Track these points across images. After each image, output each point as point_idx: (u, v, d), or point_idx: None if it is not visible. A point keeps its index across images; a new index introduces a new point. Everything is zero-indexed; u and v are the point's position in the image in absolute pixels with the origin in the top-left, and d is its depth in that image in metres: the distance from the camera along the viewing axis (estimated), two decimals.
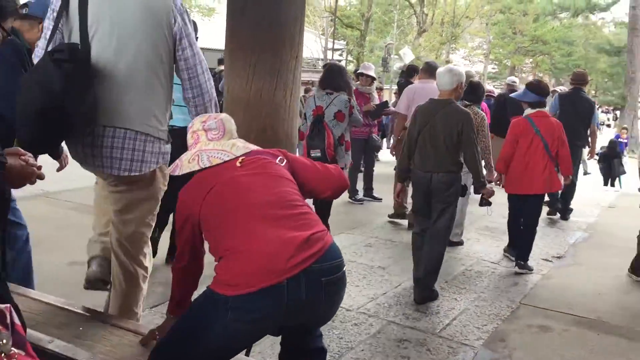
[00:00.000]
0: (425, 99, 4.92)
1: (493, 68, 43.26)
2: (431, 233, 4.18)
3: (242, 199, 1.99)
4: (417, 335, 3.54)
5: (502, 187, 5.25)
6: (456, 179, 4.17)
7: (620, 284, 4.79)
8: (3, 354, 0.90)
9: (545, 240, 5.97)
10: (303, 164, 2.26)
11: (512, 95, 6.14)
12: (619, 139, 13.77)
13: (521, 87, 6.54)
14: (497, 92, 10.22)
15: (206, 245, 2.11)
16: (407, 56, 19.15)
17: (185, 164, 2.12)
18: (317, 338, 2.26)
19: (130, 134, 2.43)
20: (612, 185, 12.77)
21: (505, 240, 5.66)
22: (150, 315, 3.49)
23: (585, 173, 11.69)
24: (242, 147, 2.17)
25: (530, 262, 5.05)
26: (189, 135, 2.23)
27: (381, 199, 7.48)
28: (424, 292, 4.12)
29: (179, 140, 2.63)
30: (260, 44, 5.38)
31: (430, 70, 6.31)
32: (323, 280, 1.92)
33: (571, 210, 7.18)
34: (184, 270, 2.16)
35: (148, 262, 2.71)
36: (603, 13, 41.37)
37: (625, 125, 20.30)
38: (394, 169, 6.19)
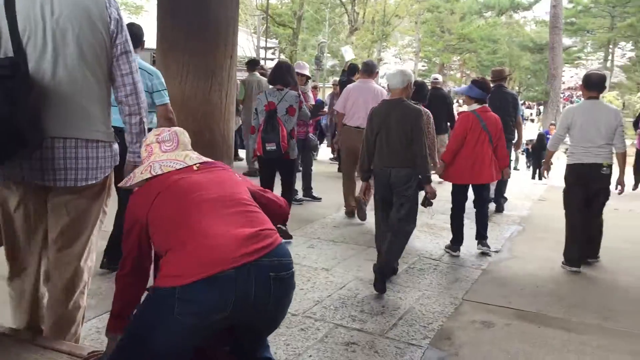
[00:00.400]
0: (363, 97, 5.23)
1: (423, 66, 44.18)
2: (393, 227, 4.43)
3: (195, 195, 2.02)
4: (364, 338, 3.50)
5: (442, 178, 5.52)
6: (413, 174, 4.42)
7: (556, 276, 4.94)
8: None
9: None
10: (261, 190, 2.33)
11: (457, 90, 6.39)
12: (548, 135, 14.38)
13: (446, 84, 6.91)
14: None
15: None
16: (348, 54, 19.22)
17: (137, 175, 2.17)
18: (265, 348, 2.23)
19: (81, 142, 2.31)
20: (540, 178, 13.27)
21: (444, 236, 5.74)
22: (84, 331, 3.29)
23: (515, 169, 12.11)
24: (195, 157, 2.23)
25: (469, 258, 5.25)
26: (142, 148, 2.28)
27: (320, 199, 7.45)
28: (383, 283, 4.26)
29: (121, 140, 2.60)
30: (193, 45, 5.23)
31: (368, 70, 6.59)
32: (271, 276, 1.93)
33: (505, 199, 7.43)
34: (126, 279, 2.12)
35: (87, 276, 2.54)
36: (525, 12, 43.04)
37: (553, 122, 21.17)
38: (338, 170, 6.21)
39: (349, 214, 6.63)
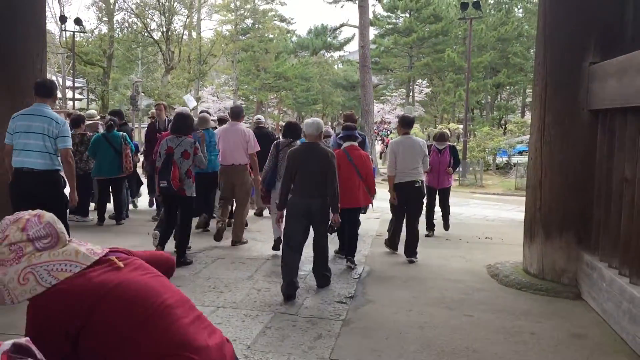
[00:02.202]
0: (230, 139, 7.34)
1: (241, 103, 44.46)
2: (317, 245, 5.59)
3: (155, 300, 1.78)
4: None
5: None
6: (327, 203, 5.43)
7: (416, 319, 4.79)
8: None
9: (334, 281, 5.84)
10: (141, 255, 2.10)
11: (338, 136, 7.40)
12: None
13: (267, 122, 8.10)
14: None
15: None
16: (191, 102, 18.35)
17: (18, 290, 1.72)
18: None
19: None
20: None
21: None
22: None
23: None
24: (87, 253, 1.84)
25: (326, 307, 5.02)
26: (3, 249, 1.74)
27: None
28: (324, 279, 5.62)
29: None
30: None
31: (234, 114, 7.58)
32: None
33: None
34: None
35: None
36: (337, 52, 45.56)
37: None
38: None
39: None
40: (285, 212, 5.51)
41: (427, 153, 7.16)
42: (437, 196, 9.00)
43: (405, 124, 7.17)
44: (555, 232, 5.72)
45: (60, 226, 1.85)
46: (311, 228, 5.54)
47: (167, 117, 8.84)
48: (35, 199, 4.68)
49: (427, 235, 8.63)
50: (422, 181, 6.98)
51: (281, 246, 5.74)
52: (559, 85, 5.68)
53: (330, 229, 5.65)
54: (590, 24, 5.46)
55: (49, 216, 1.85)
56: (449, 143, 8.98)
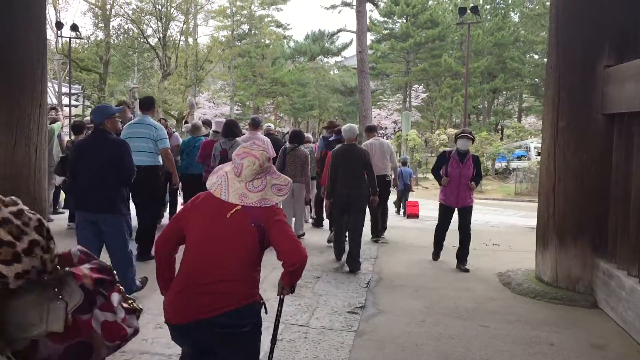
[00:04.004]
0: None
1: (237, 109, 44.31)
2: (352, 230, 6.67)
3: (201, 242, 2.52)
4: None
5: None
6: (363, 193, 6.65)
7: (430, 330, 4.65)
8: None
9: (342, 289, 5.71)
10: (279, 232, 2.52)
11: (329, 138, 8.61)
12: None
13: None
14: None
15: None
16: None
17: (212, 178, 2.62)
18: None
19: None
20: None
21: (304, 295, 5.22)
22: None
23: None
24: (235, 196, 2.50)
25: (337, 318, 4.90)
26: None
27: None
28: (356, 264, 6.47)
29: None
30: None
31: (254, 124, 8.31)
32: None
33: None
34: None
35: None
36: (335, 57, 45.50)
37: None
38: None
39: None
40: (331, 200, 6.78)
41: (393, 152, 8.46)
42: (455, 216, 7.07)
43: (370, 130, 8.95)
44: (570, 238, 5.59)
45: (247, 171, 2.53)
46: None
47: (132, 116, 8.04)
48: (140, 187, 5.98)
49: (434, 260, 7.25)
50: (390, 175, 8.58)
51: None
52: (572, 88, 5.56)
53: (370, 207, 7.35)
54: (604, 26, 5.35)
55: (247, 160, 2.52)
56: (472, 152, 7.09)
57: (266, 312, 2.61)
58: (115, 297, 1.31)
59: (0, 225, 1.02)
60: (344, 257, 6.65)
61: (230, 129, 7.14)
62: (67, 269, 1.20)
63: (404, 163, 18.39)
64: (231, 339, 2.44)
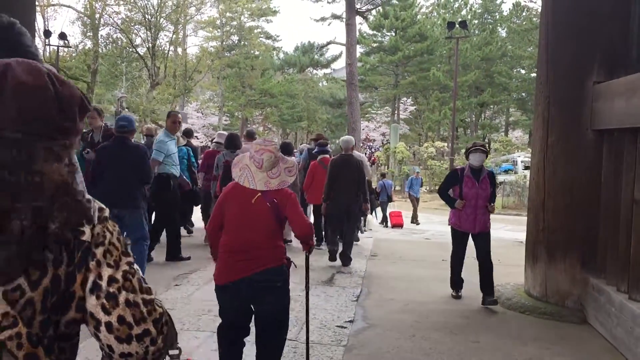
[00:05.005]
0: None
1: (226, 120, 44.26)
2: (347, 233, 7.59)
3: (237, 223, 3.31)
4: None
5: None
6: (359, 199, 7.52)
7: (420, 345, 4.61)
8: None
9: (331, 303, 5.66)
10: (291, 209, 3.37)
11: (313, 150, 9.07)
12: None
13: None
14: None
15: None
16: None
17: (236, 171, 3.41)
18: None
19: None
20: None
21: (295, 309, 5.17)
22: None
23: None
24: (262, 184, 3.30)
25: (326, 332, 4.84)
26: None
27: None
28: (349, 260, 7.43)
29: None
30: None
31: (249, 136, 8.98)
32: None
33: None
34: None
35: None
36: (324, 69, 45.54)
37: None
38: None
39: None
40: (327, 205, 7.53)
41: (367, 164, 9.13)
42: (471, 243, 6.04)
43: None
44: (559, 253, 5.59)
45: (267, 163, 3.35)
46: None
47: (102, 123, 7.06)
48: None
49: (454, 296, 6.11)
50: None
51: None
52: (562, 104, 5.59)
53: (362, 214, 8.47)
54: (594, 42, 5.38)
55: (267, 156, 3.33)
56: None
57: (295, 267, 3.44)
58: None
59: (129, 306, 1.12)
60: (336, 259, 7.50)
61: (233, 142, 7.73)
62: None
63: (383, 175, 18.54)
64: (268, 292, 3.24)
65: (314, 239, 7.63)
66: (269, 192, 3.27)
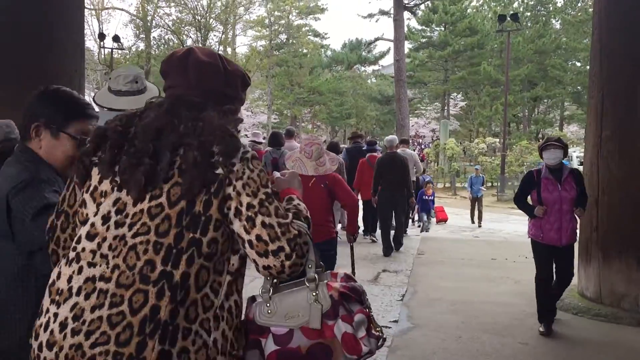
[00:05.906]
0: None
1: (275, 118, 44.55)
2: (397, 223, 8.44)
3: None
4: None
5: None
6: (405, 194, 8.45)
7: (467, 347, 4.51)
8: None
9: (376, 302, 5.59)
10: (338, 187, 4.42)
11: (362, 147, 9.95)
12: (424, 196, 14.06)
13: (299, 135, 10.00)
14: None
15: None
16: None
17: (290, 163, 4.33)
18: None
19: None
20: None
21: None
22: None
23: None
24: (313, 170, 4.25)
25: None
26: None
27: None
28: (400, 245, 8.44)
29: None
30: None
31: (289, 134, 9.14)
32: None
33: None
34: None
35: None
36: (372, 66, 45.28)
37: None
38: None
39: None
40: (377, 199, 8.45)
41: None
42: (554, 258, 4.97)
43: (402, 142, 10.72)
44: (614, 253, 5.36)
45: (317, 153, 4.36)
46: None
47: None
48: None
49: (541, 332, 4.84)
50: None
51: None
52: (617, 97, 5.35)
53: (408, 207, 9.51)
54: None
55: (316, 147, 4.32)
56: (569, 164, 4.99)
57: (340, 238, 4.59)
58: (358, 317, 1.48)
59: (264, 227, 1.36)
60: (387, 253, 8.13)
61: (278, 140, 8.26)
62: (325, 281, 1.51)
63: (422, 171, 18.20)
64: (324, 261, 3.57)
65: (361, 230, 8.71)
66: (320, 177, 4.23)
